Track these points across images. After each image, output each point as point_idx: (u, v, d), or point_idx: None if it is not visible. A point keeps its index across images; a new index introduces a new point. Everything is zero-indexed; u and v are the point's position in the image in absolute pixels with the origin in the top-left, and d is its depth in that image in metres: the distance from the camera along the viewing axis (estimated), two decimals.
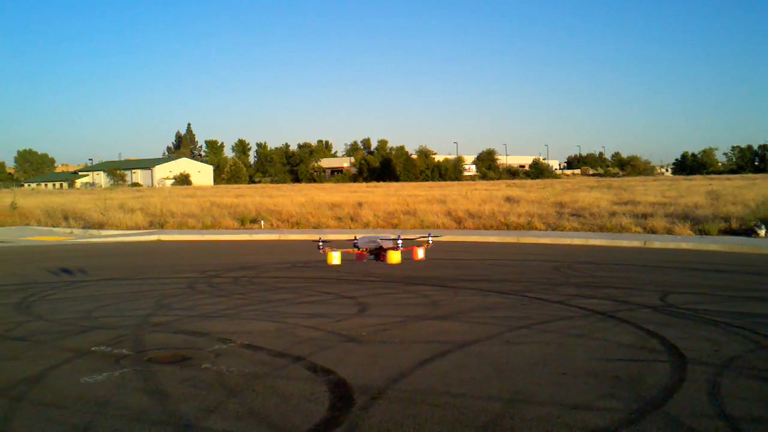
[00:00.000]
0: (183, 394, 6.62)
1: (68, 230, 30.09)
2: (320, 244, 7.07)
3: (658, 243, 21.65)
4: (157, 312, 10.89)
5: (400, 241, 7.13)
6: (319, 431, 5.61)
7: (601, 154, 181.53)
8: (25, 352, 8.40)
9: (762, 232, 22.64)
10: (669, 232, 24.26)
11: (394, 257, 6.63)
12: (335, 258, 6.57)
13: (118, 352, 8.27)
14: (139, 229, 30.10)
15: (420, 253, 6.91)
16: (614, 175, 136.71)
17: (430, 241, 6.69)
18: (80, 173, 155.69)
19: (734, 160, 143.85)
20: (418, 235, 6.77)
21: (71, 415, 6.07)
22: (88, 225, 31.11)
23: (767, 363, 7.66)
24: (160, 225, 30.87)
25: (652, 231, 24.70)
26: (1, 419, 5.97)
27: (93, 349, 8.44)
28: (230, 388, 6.78)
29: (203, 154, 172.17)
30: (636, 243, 21.94)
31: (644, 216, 27.43)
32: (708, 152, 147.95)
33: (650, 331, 9.13)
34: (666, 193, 40.85)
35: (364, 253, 6.51)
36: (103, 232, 28.78)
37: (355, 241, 7.30)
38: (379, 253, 6.89)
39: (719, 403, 6.21)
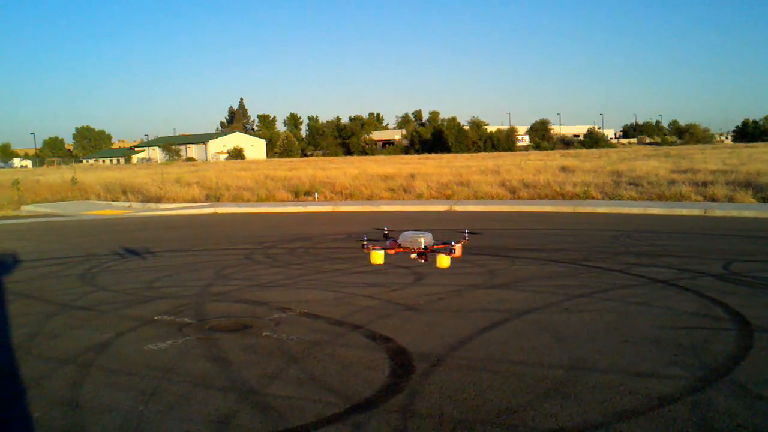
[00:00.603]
0: (245, 361, 6.72)
1: (127, 204, 30.71)
2: (365, 242, 6.78)
3: (719, 211, 21.13)
4: (216, 282, 11.06)
5: (457, 245, 6.80)
6: (381, 397, 5.64)
7: (657, 122, 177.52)
8: (90, 321, 8.62)
9: None
10: (730, 200, 23.65)
11: (444, 261, 6.40)
12: (379, 257, 6.34)
13: (181, 320, 8.42)
14: (196, 202, 30.56)
15: (457, 250, 6.70)
16: (672, 143, 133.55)
17: (467, 238, 6.47)
18: (136, 149, 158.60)
19: None
20: (449, 241, 6.52)
21: (138, 381, 6.21)
22: (146, 199, 31.71)
23: None
24: (216, 198, 31.30)
25: (713, 199, 24.12)
26: (71, 385, 6.14)
27: (156, 318, 8.61)
28: (291, 355, 6.86)
29: (256, 128, 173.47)
30: (696, 211, 21.44)
31: (704, 184, 26.78)
32: None
33: (713, 299, 8.93)
34: (727, 161, 39.79)
35: (404, 250, 6.27)
36: (161, 206, 29.30)
37: (386, 231, 6.88)
38: (423, 253, 6.69)
39: None
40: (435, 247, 6.53)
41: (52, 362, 6.86)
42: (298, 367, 6.51)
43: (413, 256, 6.25)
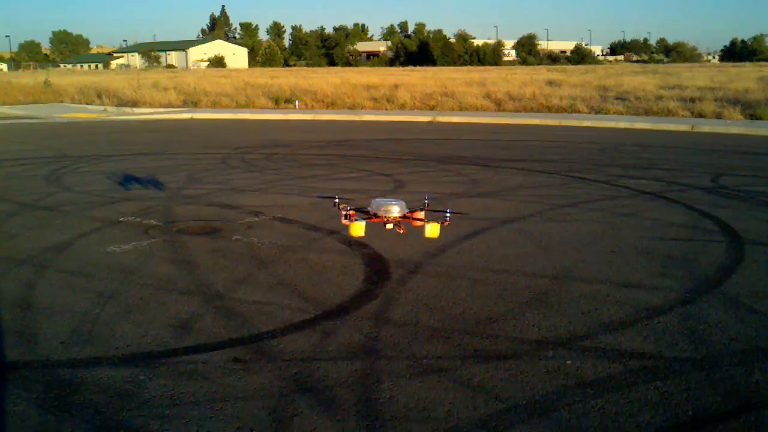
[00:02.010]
0: (212, 264, 6.35)
1: (102, 108, 29.81)
2: (336, 201, 5.69)
3: (706, 127, 20.75)
4: (188, 185, 10.61)
5: (446, 215, 5.77)
6: (354, 304, 5.30)
7: (645, 40, 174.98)
8: (52, 221, 8.18)
9: None
10: (718, 116, 23.24)
11: (433, 230, 5.63)
12: (360, 228, 5.34)
13: (147, 222, 8.01)
14: (173, 107, 29.74)
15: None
16: (659, 61, 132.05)
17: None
18: (115, 54, 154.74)
19: None
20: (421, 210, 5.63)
21: (97, 283, 5.83)
22: (122, 103, 30.80)
23: None
24: (194, 103, 30.46)
25: (701, 115, 23.69)
26: (25, 286, 5.75)
27: (122, 219, 8.19)
28: (261, 260, 6.50)
29: (237, 36, 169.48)
30: (683, 127, 21.06)
31: (692, 100, 26.29)
32: (758, 39, 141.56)
33: (702, 211, 8.63)
34: (715, 78, 39.18)
35: (381, 220, 5.37)
36: (137, 110, 28.47)
37: (336, 201, 5.64)
38: (397, 222, 5.75)
39: None
40: (411, 215, 5.88)
41: (6, 263, 6.45)
42: (267, 271, 6.15)
43: (389, 226, 5.66)
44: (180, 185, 10.58)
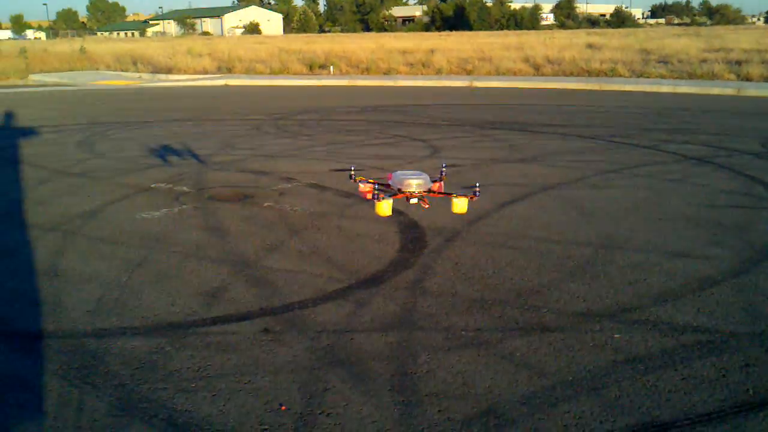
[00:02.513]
0: (243, 231, 6.18)
1: (137, 75, 29.82)
2: (352, 173, 5.28)
3: (753, 90, 20.05)
4: (220, 151, 10.45)
5: (476, 190, 5.33)
6: (389, 273, 5.09)
7: (687, 2, 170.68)
8: (82, 188, 8.07)
9: None
10: (766, 80, 22.45)
11: (461, 206, 5.31)
12: (387, 208, 4.98)
13: (179, 189, 7.86)
14: (207, 74, 29.61)
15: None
16: (702, 24, 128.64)
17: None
18: (151, 22, 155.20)
19: None
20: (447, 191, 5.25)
21: (125, 250, 5.69)
22: (157, 70, 30.74)
23: None
24: (228, 70, 30.30)
25: (747, 78, 22.90)
26: (53, 253, 5.64)
27: (152, 186, 8.05)
28: (293, 227, 6.30)
29: (272, 2, 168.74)
30: (729, 91, 20.35)
31: (738, 63, 25.42)
32: None
33: (753, 177, 8.25)
34: (761, 41, 37.88)
35: (406, 195, 4.99)
36: (171, 77, 28.41)
37: (352, 173, 5.17)
38: (422, 197, 5.29)
39: None
40: (436, 192, 5.59)
41: (35, 230, 6.34)
42: (300, 239, 5.96)
43: (413, 201, 5.36)
44: (212, 151, 10.41)
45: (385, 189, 5.44)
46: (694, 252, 5.51)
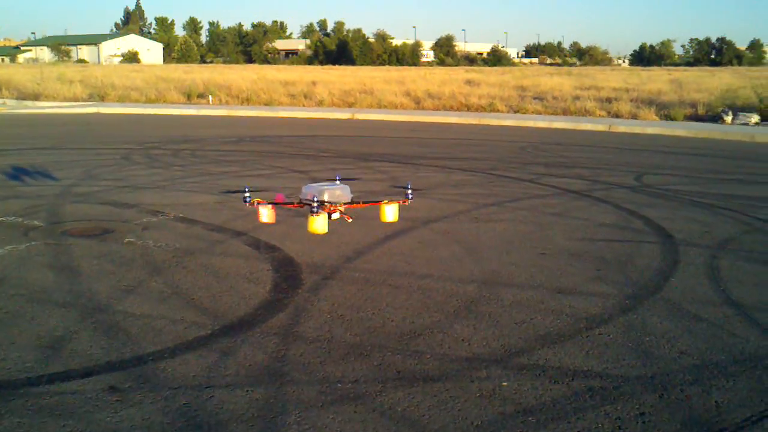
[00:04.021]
0: (98, 271, 5.56)
1: (0, 101, 28.03)
2: (247, 195, 4.87)
3: (623, 127, 20.80)
4: (82, 182, 9.67)
5: (407, 193, 5.03)
6: (259, 316, 4.62)
7: (559, 43, 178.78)
8: None
9: (728, 119, 21.95)
10: (634, 116, 23.42)
11: (390, 213, 5.02)
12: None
13: (29, 223, 7.11)
14: (78, 101, 28.17)
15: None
16: (572, 64, 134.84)
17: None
18: (23, 48, 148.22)
19: (691, 52, 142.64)
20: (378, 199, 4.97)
21: None
22: (23, 96, 29.03)
23: (765, 245, 6.87)
24: (101, 97, 28.94)
25: (617, 115, 23.83)
26: None
27: (0, 219, 7.26)
28: (156, 265, 5.73)
29: (153, 32, 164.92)
30: (601, 127, 21.06)
31: (608, 100, 26.46)
32: (666, 44, 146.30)
33: (631, 210, 8.28)
34: (628, 80, 39.84)
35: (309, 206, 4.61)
36: (39, 104, 26.83)
37: (247, 195, 4.79)
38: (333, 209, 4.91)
39: (723, 289, 5.38)
40: (358, 205, 5.28)
41: None
42: (162, 279, 5.39)
43: (335, 216, 5.00)
44: (73, 182, 9.63)
45: (309, 203, 4.99)
46: (579, 288, 5.33)
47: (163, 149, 13.66)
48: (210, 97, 28.22)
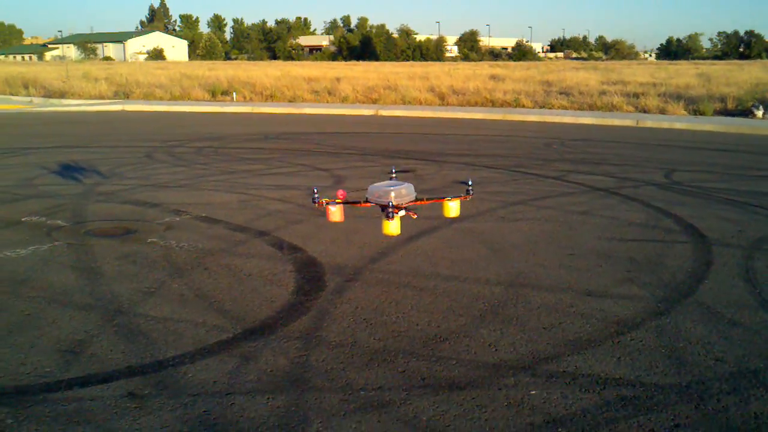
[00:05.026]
0: (120, 272, 5.51)
1: (28, 99, 28.26)
2: (316, 195, 4.91)
3: (650, 122, 20.49)
4: (106, 181, 9.67)
5: (468, 188, 5.16)
6: (281, 320, 4.53)
7: (584, 37, 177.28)
8: None
9: (760, 113, 21.54)
10: (662, 111, 23.06)
11: (453, 208, 5.14)
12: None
13: (53, 223, 7.09)
14: (103, 99, 28.33)
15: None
16: (598, 58, 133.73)
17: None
18: (50, 46, 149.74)
19: (719, 46, 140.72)
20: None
21: None
22: (50, 94, 29.27)
23: None
24: (125, 95, 29.09)
25: (644, 110, 23.48)
26: None
27: (24, 219, 7.26)
28: (178, 266, 5.67)
29: (177, 29, 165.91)
30: (628, 122, 20.75)
31: (635, 95, 26.07)
32: (693, 38, 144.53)
33: (661, 209, 8.09)
34: (655, 74, 39.35)
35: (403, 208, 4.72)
36: (65, 101, 27.02)
37: (315, 194, 4.87)
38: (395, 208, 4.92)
39: (759, 291, 5.21)
40: (421, 202, 5.35)
41: None
42: (183, 280, 5.33)
43: (401, 213, 5.02)
44: (97, 180, 9.63)
45: (380, 203, 5.02)
46: (609, 291, 5.19)
47: (187, 147, 13.65)
48: (234, 94, 28.25)
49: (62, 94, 28.91)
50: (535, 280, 5.44)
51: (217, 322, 4.47)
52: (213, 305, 4.79)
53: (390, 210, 4.91)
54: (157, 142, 14.26)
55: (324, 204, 5.16)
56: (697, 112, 22.57)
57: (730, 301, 4.98)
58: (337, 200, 5.17)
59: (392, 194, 5.02)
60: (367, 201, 5.26)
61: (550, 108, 24.72)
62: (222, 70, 44.04)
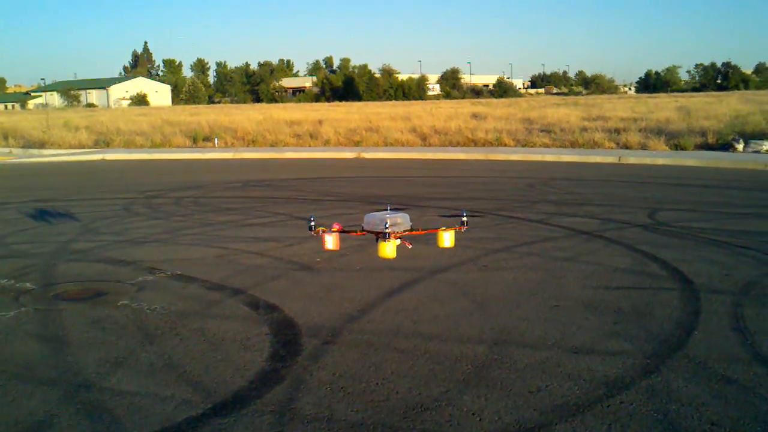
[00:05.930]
0: (87, 340, 5.28)
1: (6, 150, 28.04)
2: (312, 223, 5.82)
3: (633, 158, 20.53)
4: (80, 237, 9.44)
5: (462, 219, 5.33)
6: (254, 391, 4.31)
7: (564, 72, 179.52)
8: None
9: (740, 147, 21.65)
10: (643, 147, 23.14)
11: (447, 239, 5.25)
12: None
13: (21, 286, 6.85)
14: (83, 148, 28.15)
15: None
16: (578, 93, 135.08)
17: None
18: (33, 93, 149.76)
19: (697, 78, 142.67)
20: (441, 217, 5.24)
21: None
22: (29, 144, 29.06)
23: None
24: (106, 143, 28.92)
25: (626, 146, 23.57)
26: None
27: None
28: (148, 332, 5.45)
29: (161, 74, 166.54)
30: (610, 158, 20.77)
31: (616, 131, 26.19)
32: (671, 70, 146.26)
33: (646, 252, 7.95)
34: (635, 109, 39.63)
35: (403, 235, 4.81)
36: (44, 152, 26.82)
37: (312, 223, 5.01)
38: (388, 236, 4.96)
39: (750, 343, 5.05)
40: (417, 232, 5.51)
41: None
42: (153, 348, 5.10)
43: (396, 241, 5.05)
44: (71, 237, 9.40)
45: (372, 232, 5.21)
46: (597, 346, 5.01)
47: (165, 197, 13.45)
48: (216, 140, 28.14)
49: (42, 144, 28.72)
50: (520, 336, 5.25)
51: (187, 396, 4.24)
52: (183, 376, 4.56)
53: (385, 234, 5.07)
54: (135, 193, 14.06)
55: (320, 232, 5.28)
56: (678, 147, 22.66)
57: (721, 354, 4.81)
58: (333, 229, 5.32)
59: (388, 222, 5.14)
60: (362, 230, 5.36)
61: (531, 146, 24.76)
62: (204, 115, 44.01)
